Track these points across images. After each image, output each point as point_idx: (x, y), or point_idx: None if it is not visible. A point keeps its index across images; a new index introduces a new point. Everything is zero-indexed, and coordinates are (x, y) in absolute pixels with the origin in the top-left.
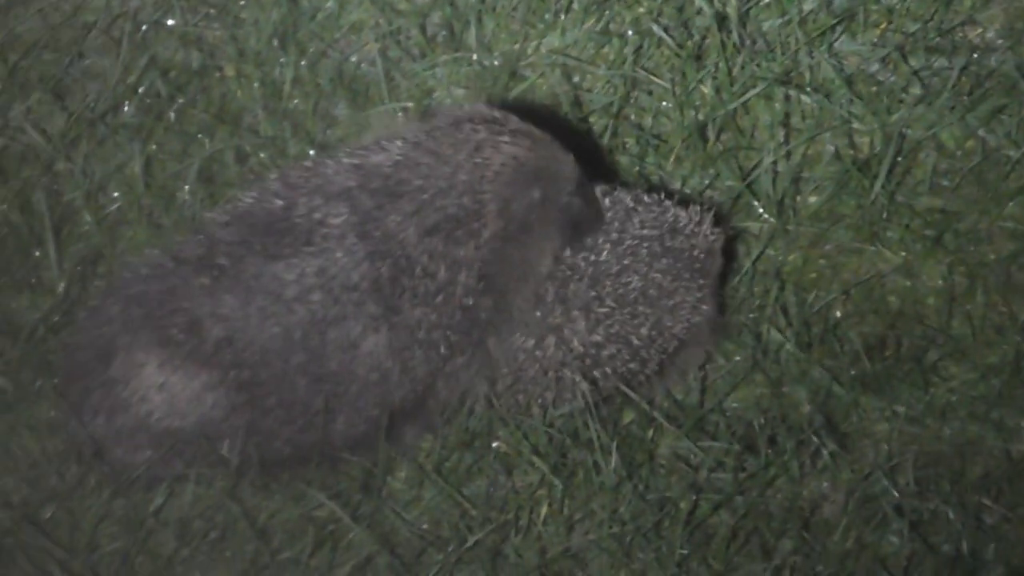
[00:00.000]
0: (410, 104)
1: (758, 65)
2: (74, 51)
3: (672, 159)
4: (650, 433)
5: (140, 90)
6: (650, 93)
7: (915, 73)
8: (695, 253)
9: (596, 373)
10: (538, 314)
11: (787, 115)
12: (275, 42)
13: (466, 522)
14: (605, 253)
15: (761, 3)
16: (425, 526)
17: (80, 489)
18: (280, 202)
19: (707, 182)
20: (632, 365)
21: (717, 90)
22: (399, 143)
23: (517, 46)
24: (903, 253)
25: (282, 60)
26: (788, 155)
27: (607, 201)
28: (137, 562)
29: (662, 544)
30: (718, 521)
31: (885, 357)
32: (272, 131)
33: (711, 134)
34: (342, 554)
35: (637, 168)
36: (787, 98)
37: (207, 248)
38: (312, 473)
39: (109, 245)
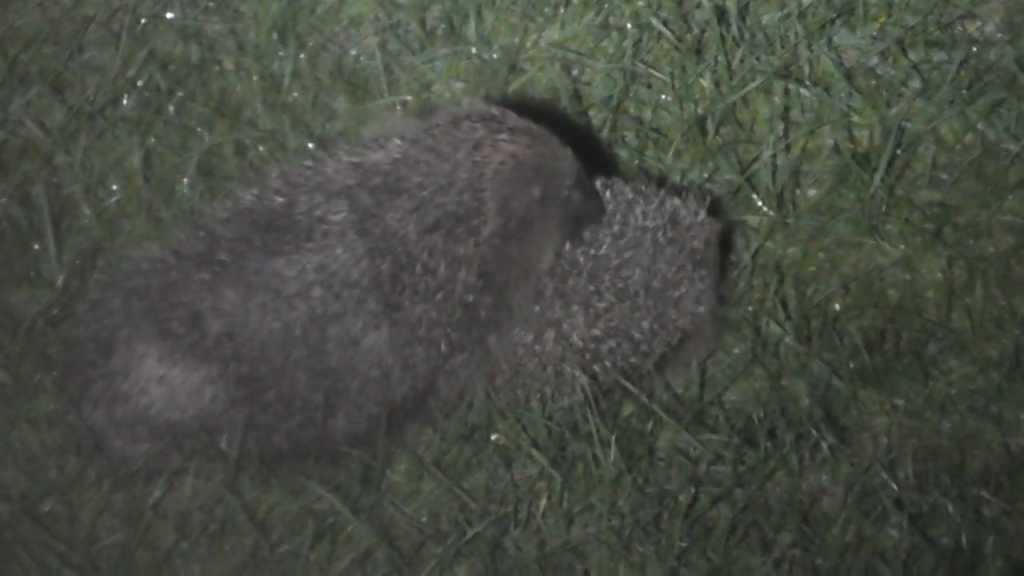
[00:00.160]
0: (409, 98)
1: (757, 59)
2: (73, 45)
3: (671, 152)
4: (649, 426)
5: (139, 84)
6: (649, 86)
7: (914, 67)
8: (695, 244)
9: (596, 367)
10: (537, 308)
11: (786, 109)
12: (274, 36)
13: (465, 515)
14: (605, 247)
15: None
16: (424, 519)
17: (79, 482)
18: (281, 199)
19: (706, 175)
20: (633, 359)
21: (716, 84)
22: (398, 141)
23: (516, 40)
24: (902, 246)
25: (281, 54)
26: (787, 148)
27: (608, 194)
28: (136, 555)
29: (661, 537)
30: (717, 514)
31: (884, 351)
32: (271, 124)
33: (710, 127)
34: (341, 547)
35: (637, 162)
36: (786, 92)
37: (208, 244)
38: (311, 466)
39: (108, 238)
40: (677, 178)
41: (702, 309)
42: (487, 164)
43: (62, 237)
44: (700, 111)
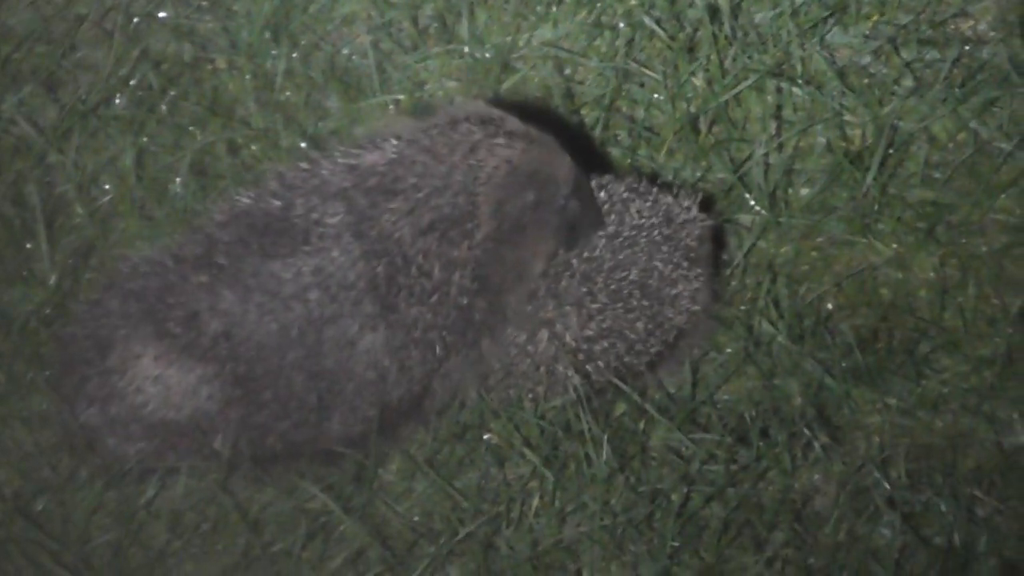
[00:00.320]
0: (402, 96)
1: (750, 57)
2: (66, 43)
3: (664, 151)
4: (642, 425)
5: (132, 82)
6: (642, 85)
7: (907, 65)
8: (690, 241)
9: (589, 367)
10: (530, 308)
11: (779, 107)
12: (267, 34)
13: (458, 514)
14: (599, 248)
15: None
16: (417, 518)
17: (72, 481)
18: (278, 202)
19: (699, 174)
20: (627, 359)
21: (709, 82)
22: (395, 141)
23: (509, 38)
24: (895, 245)
25: (274, 52)
26: (780, 147)
27: (603, 194)
28: (129, 554)
29: (654, 536)
30: (710, 513)
31: (877, 349)
32: (264, 123)
33: (703, 126)
34: (334, 546)
35: (629, 160)
36: (779, 90)
37: (206, 247)
38: (304, 466)
39: (101, 237)
40: (670, 177)
41: (697, 308)
42: (482, 168)
43: (55, 236)
44: (693, 110)
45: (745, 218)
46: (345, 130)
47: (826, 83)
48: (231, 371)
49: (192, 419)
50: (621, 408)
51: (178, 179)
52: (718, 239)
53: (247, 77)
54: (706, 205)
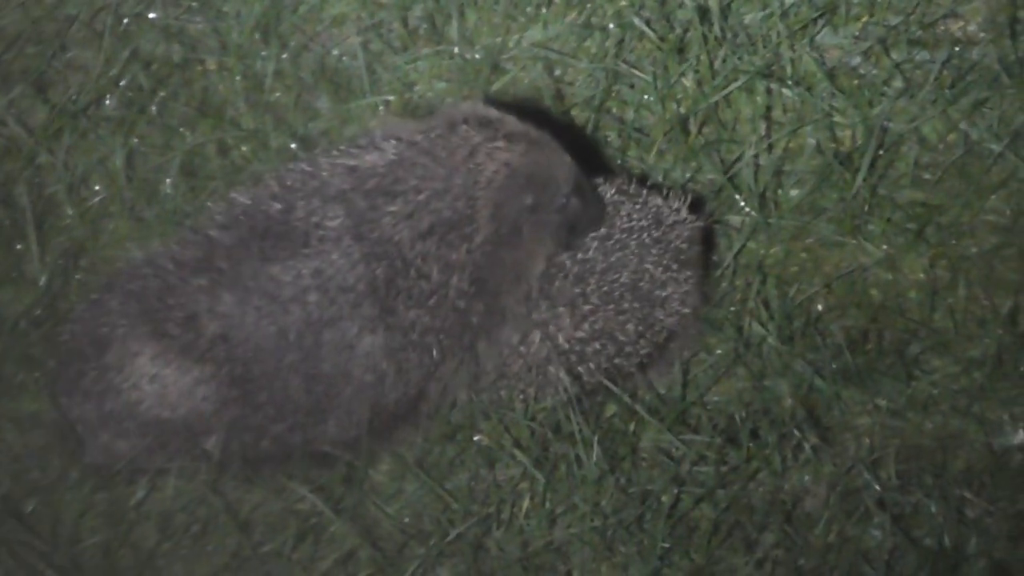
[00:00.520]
0: (392, 97)
1: (740, 58)
2: (56, 44)
3: (654, 152)
4: (632, 426)
5: (122, 83)
6: (632, 86)
7: (897, 66)
8: (680, 243)
9: (581, 368)
10: (525, 310)
11: (769, 108)
12: (257, 35)
13: (448, 515)
14: (592, 251)
15: None
16: (407, 519)
17: (62, 482)
18: (278, 205)
19: (689, 175)
20: (617, 360)
21: (699, 83)
22: (394, 142)
23: (499, 39)
24: (885, 246)
25: (264, 53)
26: (770, 148)
27: None
28: (119, 555)
29: (644, 537)
30: (700, 514)
31: (867, 350)
32: (254, 124)
33: (693, 127)
34: (324, 547)
35: (619, 161)
36: (769, 91)
37: (206, 251)
38: (294, 466)
39: (91, 238)
40: (660, 178)
41: (687, 310)
42: (481, 172)
43: (45, 237)
44: (682, 111)
45: (735, 219)
46: (335, 131)
47: (816, 84)
48: (228, 372)
49: (187, 419)
50: (611, 409)
51: (168, 180)
52: (708, 240)
53: (237, 78)
54: (696, 206)
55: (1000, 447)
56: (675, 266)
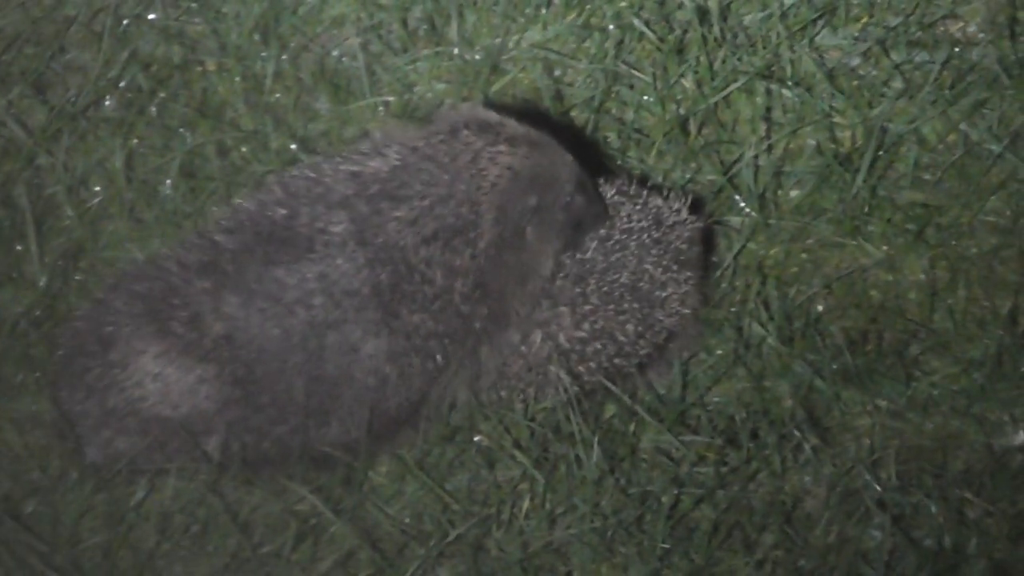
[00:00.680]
0: (391, 98)
1: (739, 59)
2: (55, 45)
3: (654, 153)
4: (632, 427)
5: (121, 84)
6: (631, 87)
7: (896, 67)
8: (679, 244)
9: (581, 368)
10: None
11: (768, 109)
12: (256, 36)
13: (448, 516)
14: (592, 251)
15: None
16: (407, 520)
17: (62, 483)
18: (283, 211)
19: (689, 176)
20: (617, 360)
21: (698, 84)
22: (396, 147)
23: (498, 40)
24: (885, 247)
25: (263, 54)
26: (769, 149)
27: None
28: (119, 556)
29: (644, 538)
30: (700, 515)
31: (867, 351)
32: (254, 125)
33: (693, 128)
34: (324, 548)
35: (619, 162)
36: (768, 92)
37: (211, 255)
38: (294, 467)
39: (91, 239)
40: (659, 179)
41: (687, 311)
42: (484, 177)
43: (44, 238)
44: (682, 112)
45: (735, 220)
46: (335, 132)
47: (815, 85)
48: (231, 373)
49: (189, 418)
50: (611, 410)
51: (168, 181)
52: (708, 241)
53: (236, 79)
54: (696, 207)
55: (1000, 448)
56: (675, 267)
